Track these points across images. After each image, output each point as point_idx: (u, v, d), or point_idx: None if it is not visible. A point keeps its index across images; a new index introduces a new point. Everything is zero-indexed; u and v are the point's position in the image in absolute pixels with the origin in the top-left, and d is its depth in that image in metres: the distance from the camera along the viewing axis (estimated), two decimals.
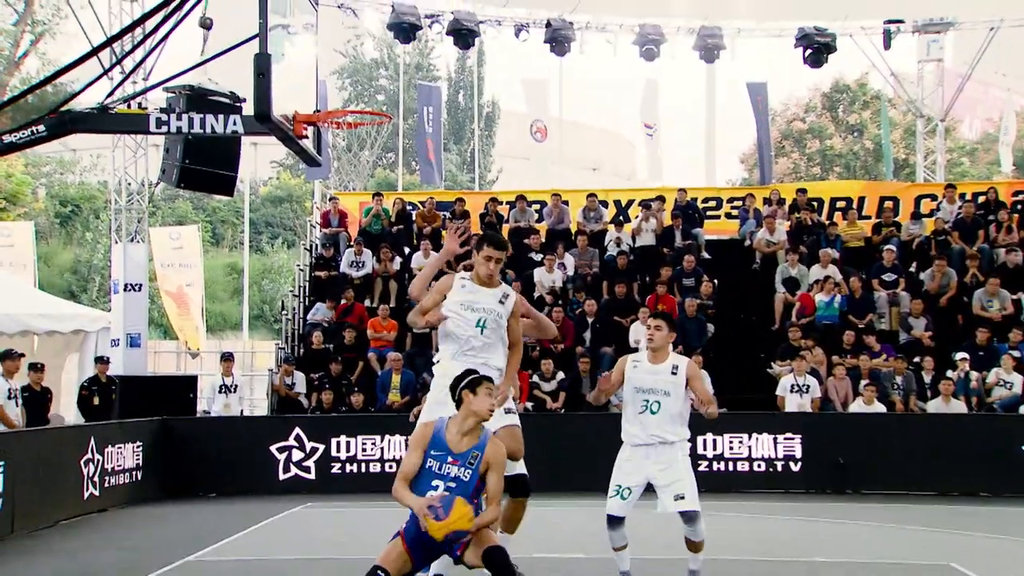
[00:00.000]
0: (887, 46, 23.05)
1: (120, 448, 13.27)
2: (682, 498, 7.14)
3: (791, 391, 15.02)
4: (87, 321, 18.32)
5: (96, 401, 15.40)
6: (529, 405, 15.17)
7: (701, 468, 13.62)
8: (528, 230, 19.91)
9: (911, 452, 14.09)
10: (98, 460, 12.63)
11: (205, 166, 13.21)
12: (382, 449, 14.47)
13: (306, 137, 11.98)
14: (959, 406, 14.84)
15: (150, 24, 11.25)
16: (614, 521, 7.37)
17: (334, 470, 14.39)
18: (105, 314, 19.15)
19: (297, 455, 14.41)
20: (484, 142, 49.25)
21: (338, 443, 14.42)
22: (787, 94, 48.29)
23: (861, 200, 21.13)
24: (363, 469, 14.43)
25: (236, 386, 16.33)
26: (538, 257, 18.85)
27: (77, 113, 11.29)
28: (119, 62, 14.18)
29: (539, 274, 18.27)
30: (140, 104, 12.29)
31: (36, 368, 14.33)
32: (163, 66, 14.75)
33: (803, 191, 20.67)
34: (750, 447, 14.33)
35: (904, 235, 19.13)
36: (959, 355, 15.61)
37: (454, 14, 22.17)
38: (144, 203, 18.54)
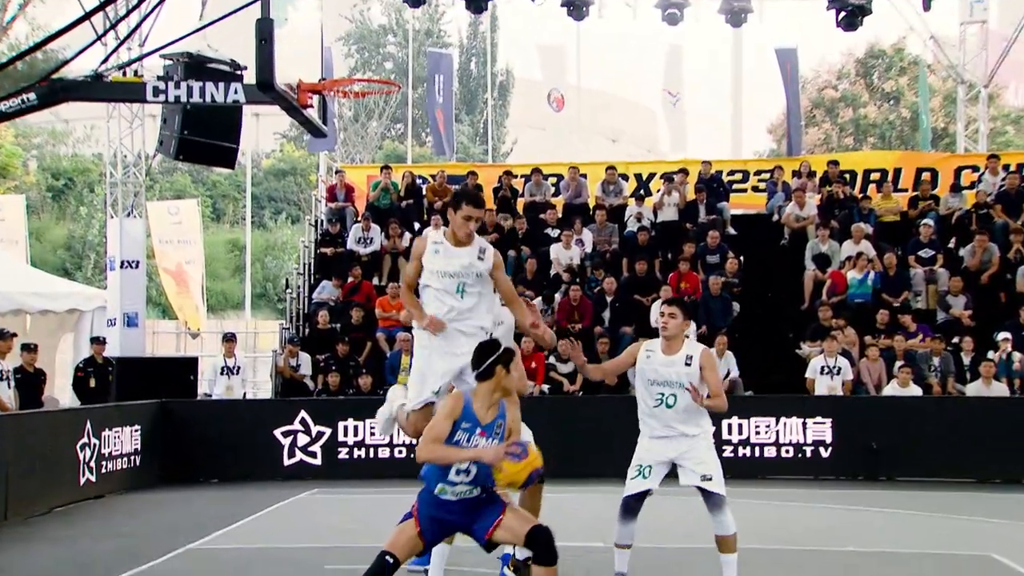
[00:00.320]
0: (927, 7, 22.68)
1: (118, 432, 13.36)
2: (709, 479, 7.01)
3: (821, 373, 14.99)
4: (82, 300, 18.42)
5: (92, 383, 15.49)
6: (545, 388, 15.20)
7: (726, 453, 13.63)
8: (544, 204, 19.88)
9: (949, 437, 14.05)
10: (95, 444, 12.72)
11: (205, 137, 13.22)
12: (391, 434, 14.51)
13: (311, 107, 11.98)
14: (1001, 389, 14.78)
15: None
16: (630, 506, 7.17)
17: (341, 455, 14.46)
18: (101, 292, 19.25)
19: (303, 439, 14.48)
20: (498, 112, 49.12)
21: (345, 427, 14.48)
22: (818, 60, 47.97)
23: (897, 172, 20.99)
24: (371, 454, 14.49)
25: (239, 368, 16.42)
26: (555, 233, 18.83)
27: (69, 81, 11.32)
28: (113, 27, 14.18)
29: (556, 250, 18.25)
30: (136, 72, 12.32)
31: (29, 349, 14.43)
32: (160, 31, 14.77)
33: (835, 163, 20.56)
34: (778, 432, 14.32)
35: (943, 209, 19.01)
36: (1001, 335, 15.53)
37: None
38: (141, 176, 18.58)
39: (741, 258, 18.12)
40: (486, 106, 43.44)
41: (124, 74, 12.04)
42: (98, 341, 16.14)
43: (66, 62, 11.50)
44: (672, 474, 7.27)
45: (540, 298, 17.08)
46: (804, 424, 14.30)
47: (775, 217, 19.45)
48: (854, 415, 14.43)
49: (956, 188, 19.64)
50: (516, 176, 20.74)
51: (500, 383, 6.07)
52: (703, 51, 36.81)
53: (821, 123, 47.78)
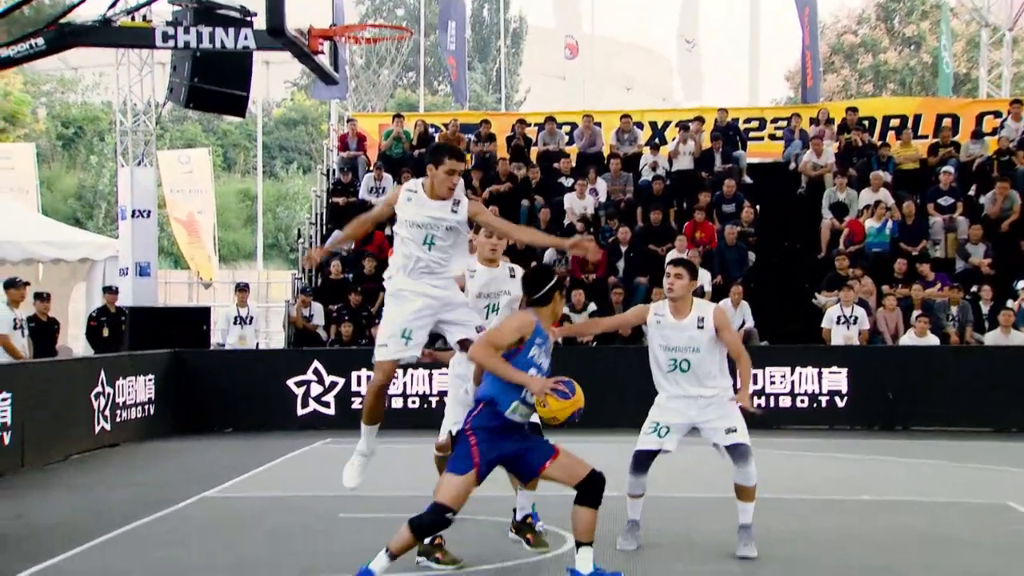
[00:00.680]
0: None
1: (131, 381, 13.47)
2: (733, 431, 6.93)
3: (838, 323, 14.97)
4: (94, 249, 18.48)
5: (105, 333, 15.58)
6: (559, 338, 15.20)
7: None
8: (558, 153, 19.78)
9: (966, 386, 14.05)
10: (109, 393, 12.82)
11: (215, 85, 13.17)
12: (404, 384, 14.58)
13: (322, 53, 11.92)
14: (1019, 337, 14.73)
15: None
16: (641, 460, 7.15)
17: (355, 405, 14.50)
18: (112, 242, 19.29)
19: (316, 389, 14.57)
20: (511, 60, 48.75)
21: (358, 377, 14.54)
22: (837, 4, 47.66)
23: (917, 118, 20.77)
24: (385, 404, 14.53)
25: (251, 318, 16.49)
26: (568, 182, 18.75)
27: (77, 26, 11.27)
28: None
29: (569, 200, 18.19)
30: (144, 17, 12.20)
31: (42, 298, 14.49)
32: None
33: (853, 110, 20.35)
34: (793, 381, 14.34)
35: (963, 156, 18.82)
36: (1021, 283, 15.49)
37: None
38: (151, 124, 18.54)
39: (757, 207, 18.03)
40: (499, 54, 43.11)
41: (133, 19, 11.95)
42: (111, 291, 16.20)
43: (73, 6, 11.44)
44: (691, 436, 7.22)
45: (553, 248, 17.08)
46: (820, 374, 14.31)
47: (792, 165, 19.32)
48: (870, 365, 14.44)
49: (977, 135, 19.43)
50: (530, 125, 20.63)
51: (556, 309, 6.14)
52: None
53: (840, 69, 47.28)
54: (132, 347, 15.25)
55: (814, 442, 12.98)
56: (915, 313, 14.99)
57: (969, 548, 7.30)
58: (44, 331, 14.29)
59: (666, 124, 21.30)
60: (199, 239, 27.66)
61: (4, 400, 10.79)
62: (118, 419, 13.07)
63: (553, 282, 6.11)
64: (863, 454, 12.03)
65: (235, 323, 16.33)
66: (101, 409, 12.67)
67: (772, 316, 16.09)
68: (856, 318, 14.94)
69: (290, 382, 14.62)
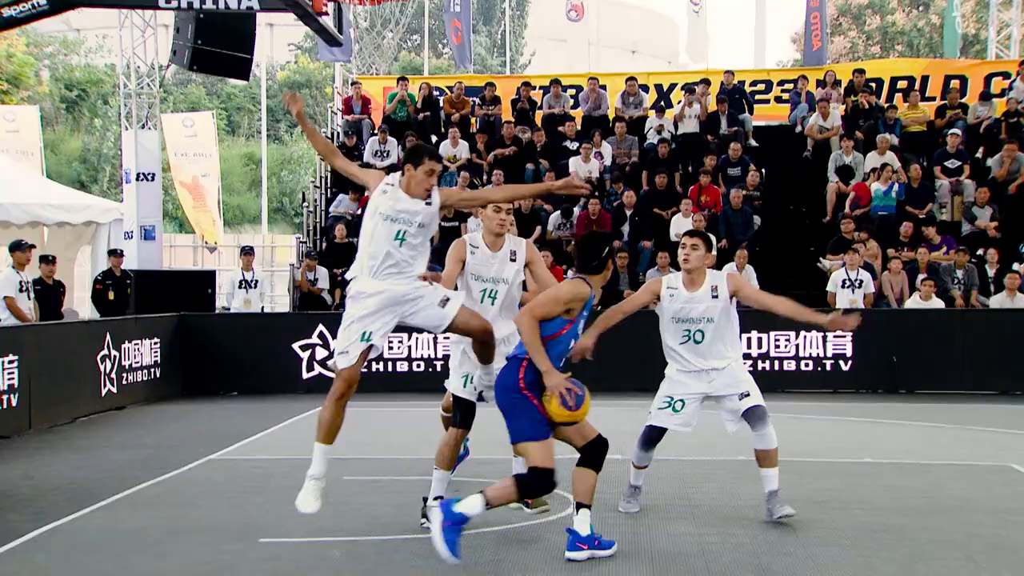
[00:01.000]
0: None
1: (137, 344, 13.52)
2: (747, 395, 6.88)
3: (843, 287, 14.96)
4: (99, 212, 18.47)
5: (111, 296, 15.60)
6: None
7: (746, 367, 13.66)
8: (563, 117, 19.70)
9: (971, 350, 14.08)
10: (115, 356, 12.89)
11: (219, 47, 13.13)
12: (409, 348, 14.63)
13: (326, 14, 11.84)
14: None
15: None
16: (653, 437, 7.10)
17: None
18: (117, 205, 19.30)
19: (321, 353, 14.61)
20: (516, 23, 48.43)
21: None
22: None
23: (924, 80, 20.64)
24: (389, 368, 14.62)
25: (256, 281, 16.51)
26: (573, 146, 18.69)
27: None
28: None
29: (574, 163, 18.13)
30: None
31: (48, 260, 14.51)
32: None
33: (860, 71, 20.22)
34: (798, 345, 14.36)
35: (971, 118, 18.71)
36: None
37: None
38: (155, 87, 18.48)
39: (763, 170, 17.97)
40: (504, 16, 42.80)
41: None
42: (116, 254, 16.22)
43: None
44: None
45: (559, 212, 17.05)
46: (824, 338, 14.32)
47: (798, 128, 19.23)
48: (875, 328, 14.42)
49: (986, 96, 19.30)
50: (535, 88, 20.55)
51: (607, 276, 6.08)
52: None
53: (847, 31, 46.94)
54: (137, 310, 15.30)
55: (818, 405, 13.01)
56: (920, 277, 14.97)
57: (973, 510, 7.33)
58: (50, 294, 14.31)
59: (672, 87, 21.21)
60: (204, 203, 27.66)
61: (11, 363, 10.84)
62: (124, 382, 13.14)
63: (608, 250, 6.06)
64: (867, 417, 12.06)
65: (240, 287, 16.35)
66: (107, 372, 12.74)
67: (777, 280, 16.04)
68: (861, 282, 14.92)
69: (295, 346, 14.67)
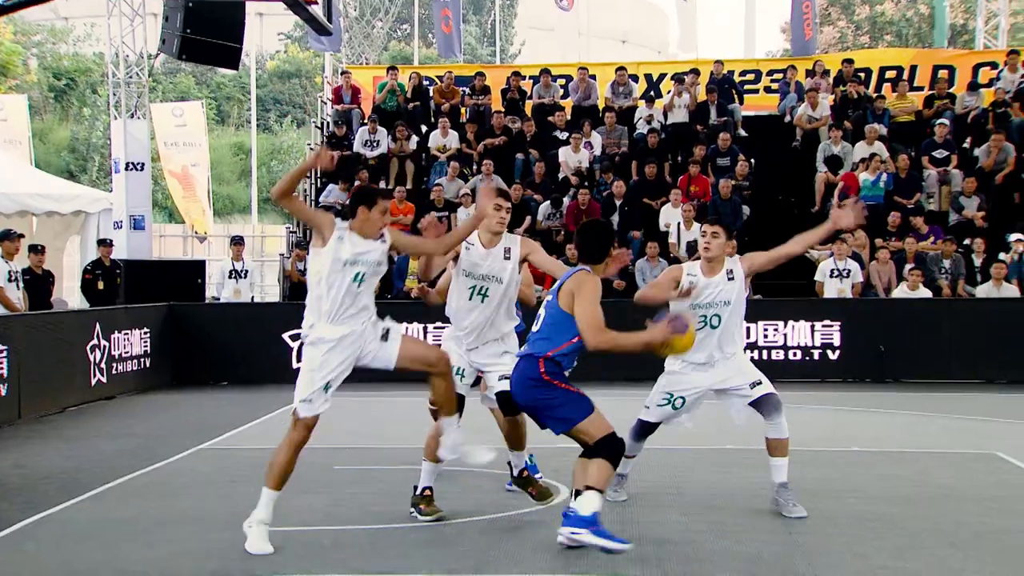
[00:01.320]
0: None
1: (127, 334, 13.49)
2: (759, 383, 6.87)
3: (831, 276, 15.00)
4: (88, 202, 18.42)
5: (100, 285, 15.56)
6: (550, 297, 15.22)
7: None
8: (553, 107, 19.67)
9: (957, 339, 14.14)
10: (104, 346, 12.85)
11: (208, 36, 13.07)
12: None
13: (315, 3, 11.80)
14: (1011, 290, 14.79)
15: None
16: (646, 429, 7.09)
17: None
18: (106, 195, 19.24)
19: None
20: (506, 12, 48.33)
21: None
22: None
23: (913, 70, 20.67)
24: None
25: (246, 271, 16.48)
26: (563, 136, 18.67)
27: None
28: None
29: (564, 154, 18.13)
30: None
31: (37, 250, 14.46)
32: None
33: (849, 61, 20.24)
34: (786, 335, 14.40)
35: (959, 108, 18.75)
36: (1013, 236, 15.50)
37: None
38: (144, 76, 18.40)
39: (752, 160, 17.98)
40: (494, 6, 42.69)
41: None
42: (105, 243, 16.17)
43: None
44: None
45: (549, 202, 17.04)
46: (812, 327, 14.37)
47: (787, 118, 19.25)
48: (863, 318, 14.49)
49: (973, 86, 19.35)
50: (524, 77, 20.52)
51: (607, 263, 6.09)
52: None
53: (836, 21, 46.96)
54: (127, 300, 15.25)
55: (807, 395, 13.03)
56: (908, 266, 15.02)
57: (959, 498, 7.38)
58: (39, 284, 14.27)
59: (661, 77, 21.18)
60: (193, 193, 27.57)
61: (0, 352, 10.80)
62: (114, 372, 13.11)
63: (610, 239, 6.10)
64: (854, 406, 12.12)
65: (230, 277, 16.32)
66: (97, 362, 12.71)
67: (765, 270, 16.08)
68: (849, 271, 14.96)
69: (285, 335, 14.64)
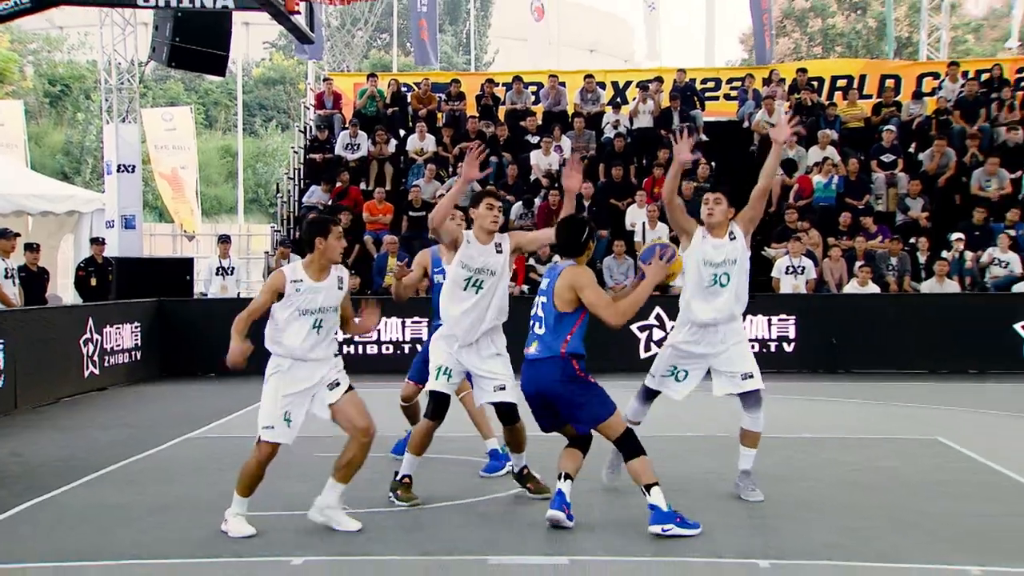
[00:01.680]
0: None
1: (118, 328, 13.41)
2: (750, 377, 6.86)
3: (786, 273, 15.10)
4: (81, 202, 18.27)
5: (93, 282, 15.45)
6: (525, 288, 15.26)
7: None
8: (524, 112, 19.69)
9: (903, 332, 14.26)
10: (97, 340, 12.77)
11: (196, 45, 13.03)
12: (378, 331, 14.59)
13: (298, 13, 11.77)
14: (953, 286, 14.96)
15: None
16: (650, 394, 7.10)
17: None
18: (99, 195, 19.09)
19: None
20: (480, 23, 48.24)
21: None
22: None
23: (862, 79, 20.83)
24: (360, 351, 14.57)
25: (233, 268, 16.38)
26: (534, 140, 18.69)
27: None
28: None
29: (535, 157, 18.15)
30: None
31: (32, 248, 14.35)
32: None
33: (803, 71, 20.36)
34: (744, 328, 14.44)
35: (904, 115, 18.93)
36: (955, 235, 15.67)
37: None
38: (135, 83, 18.26)
39: (713, 163, 18.06)
40: (469, 16, 42.63)
41: None
42: (98, 242, 16.05)
43: None
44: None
45: (521, 202, 17.06)
46: (769, 321, 14.46)
47: (746, 124, 19.34)
48: (816, 313, 14.60)
49: (918, 95, 19.54)
50: (498, 84, 20.50)
51: (589, 255, 6.20)
52: None
53: (791, 33, 47.24)
54: (118, 296, 15.14)
55: (764, 385, 13.12)
56: (858, 263, 15.15)
57: (904, 482, 7.46)
58: (34, 280, 14.15)
59: (627, 84, 21.22)
60: (182, 193, 27.41)
61: None
62: (106, 364, 13.03)
63: (587, 233, 6.15)
64: (808, 396, 12.22)
65: (217, 273, 16.23)
66: (90, 355, 12.63)
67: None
68: (803, 268, 15.07)
69: None
